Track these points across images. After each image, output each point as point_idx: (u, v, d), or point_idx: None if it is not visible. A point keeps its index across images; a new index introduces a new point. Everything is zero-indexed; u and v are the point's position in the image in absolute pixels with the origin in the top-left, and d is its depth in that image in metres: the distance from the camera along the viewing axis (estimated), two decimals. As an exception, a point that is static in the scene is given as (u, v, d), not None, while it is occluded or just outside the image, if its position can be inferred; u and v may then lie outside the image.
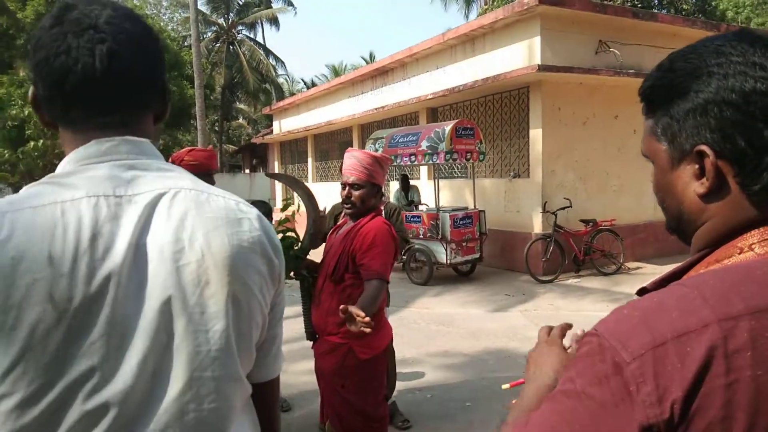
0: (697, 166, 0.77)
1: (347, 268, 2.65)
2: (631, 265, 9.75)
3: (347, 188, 2.74)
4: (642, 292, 0.82)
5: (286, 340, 4.48)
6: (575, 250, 9.14)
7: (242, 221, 0.92)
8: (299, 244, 2.77)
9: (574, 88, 9.57)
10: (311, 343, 2.87)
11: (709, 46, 0.77)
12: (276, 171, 21.40)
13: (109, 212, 0.84)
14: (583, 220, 9.25)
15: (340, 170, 4.00)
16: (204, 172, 3.60)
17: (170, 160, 3.76)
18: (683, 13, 20.91)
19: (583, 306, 7.48)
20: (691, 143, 0.77)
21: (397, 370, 4.97)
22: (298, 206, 2.99)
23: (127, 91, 0.92)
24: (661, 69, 0.82)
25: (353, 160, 2.76)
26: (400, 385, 4.70)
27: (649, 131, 0.84)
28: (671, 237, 0.86)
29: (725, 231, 0.76)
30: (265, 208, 4.43)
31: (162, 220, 0.86)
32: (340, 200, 4.17)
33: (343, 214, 2.87)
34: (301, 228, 2.95)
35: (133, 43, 0.91)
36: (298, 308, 3.07)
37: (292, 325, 4.66)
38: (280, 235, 2.79)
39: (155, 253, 0.84)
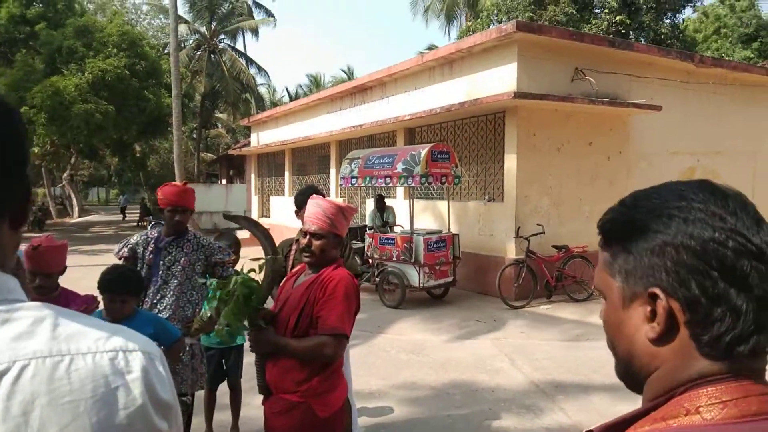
0: (649, 308, 0.75)
1: (311, 323, 2.57)
2: (603, 291, 9.82)
3: (308, 237, 2.68)
4: None
5: (246, 372, 4.31)
6: (547, 276, 9.18)
7: (117, 393, 0.68)
8: (255, 292, 2.63)
9: (549, 115, 9.66)
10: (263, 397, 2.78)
11: (673, 189, 0.77)
12: (252, 183, 21.25)
13: None
14: (555, 246, 9.31)
15: (298, 214, 3.91)
16: (175, 208, 3.50)
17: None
18: (661, 37, 21.30)
19: (553, 335, 7.49)
20: (645, 284, 0.75)
21: (363, 405, 4.93)
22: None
23: None
24: (623, 205, 0.81)
25: (317, 209, 2.69)
26: (366, 421, 4.64)
27: (604, 265, 0.83)
28: None
29: (674, 384, 0.74)
30: (231, 240, 4.36)
31: None
32: (289, 237, 4.11)
33: (291, 259, 2.78)
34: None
35: None
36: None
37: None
38: (251, 270, 2.66)
39: None
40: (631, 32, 20.99)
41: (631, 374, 0.81)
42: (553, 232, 9.49)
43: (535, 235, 9.09)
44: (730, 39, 28.17)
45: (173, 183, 3.58)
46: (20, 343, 0.65)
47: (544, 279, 9.19)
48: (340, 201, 2.82)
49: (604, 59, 10.07)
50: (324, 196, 3.77)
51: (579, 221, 10.13)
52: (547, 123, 9.66)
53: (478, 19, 24.16)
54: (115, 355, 0.70)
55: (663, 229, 0.73)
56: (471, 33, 22.37)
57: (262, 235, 2.79)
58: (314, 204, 2.73)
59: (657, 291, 0.73)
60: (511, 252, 9.47)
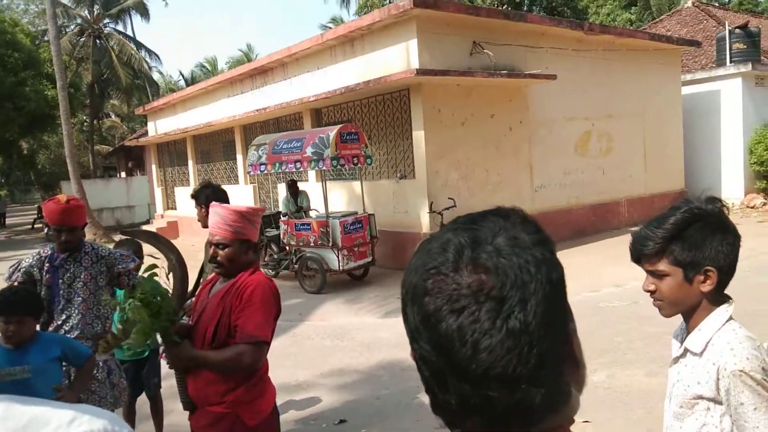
0: None
1: (230, 333, 2.48)
2: (514, 256, 10.21)
3: (212, 247, 2.57)
4: None
5: (164, 379, 4.11)
6: (462, 247, 9.41)
7: None
8: (164, 307, 2.48)
9: (452, 90, 9.81)
10: (188, 413, 2.67)
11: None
12: (154, 174, 20.29)
13: None
14: (467, 218, 9.54)
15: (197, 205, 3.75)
16: (60, 227, 3.23)
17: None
18: (553, 5, 22.13)
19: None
20: None
21: (290, 398, 4.89)
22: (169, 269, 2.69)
23: None
24: None
25: (216, 217, 2.56)
26: (294, 415, 4.61)
27: None
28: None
29: None
30: (133, 246, 4.13)
31: None
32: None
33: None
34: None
35: None
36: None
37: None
38: (151, 274, 2.51)
39: None
40: (525, 2, 21.64)
41: None
42: (464, 205, 9.72)
43: (448, 208, 9.29)
44: (616, 2, 29.70)
45: (57, 199, 3.28)
46: None
47: (458, 250, 9.42)
48: (242, 206, 2.68)
49: (500, 32, 10.32)
50: (222, 194, 3.63)
51: (487, 191, 10.44)
52: (450, 98, 9.82)
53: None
54: None
55: None
56: (369, 7, 22.29)
57: (166, 247, 2.65)
58: (213, 212, 2.61)
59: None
60: (426, 227, 9.63)
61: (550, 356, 0.61)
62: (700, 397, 1.51)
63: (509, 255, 0.62)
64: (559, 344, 0.63)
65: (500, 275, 0.61)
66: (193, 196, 3.70)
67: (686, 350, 1.59)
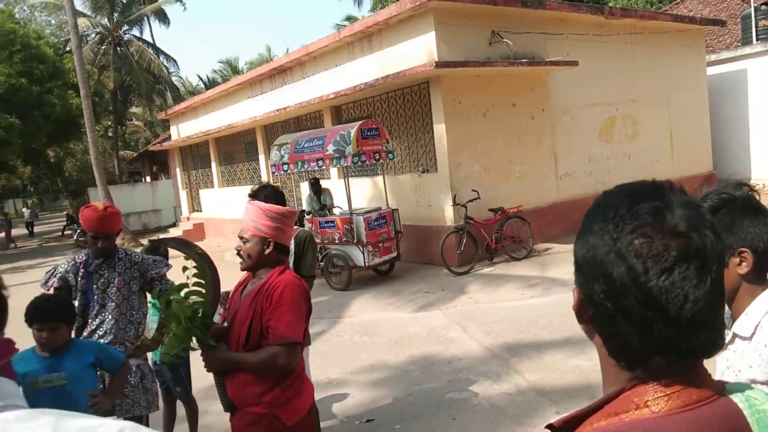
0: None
1: (263, 335, 2.49)
2: (541, 247, 10.10)
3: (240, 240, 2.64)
4: (550, 427, 0.84)
5: (198, 381, 4.13)
6: (487, 239, 9.37)
7: None
8: (201, 311, 2.53)
9: (472, 80, 9.73)
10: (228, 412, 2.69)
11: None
12: (179, 177, 20.52)
13: None
14: (491, 209, 9.48)
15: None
16: (97, 234, 3.28)
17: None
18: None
19: (500, 297, 7.67)
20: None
21: (322, 395, 4.91)
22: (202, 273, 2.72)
23: None
24: None
25: (245, 213, 2.67)
26: (327, 413, 4.62)
27: None
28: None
29: (620, 379, 0.81)
30: (161, 252, 4.15)
31: None
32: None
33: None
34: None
35: None
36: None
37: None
38: (191, 291, 2.55)
39: None
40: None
41: None
42: (487, 196, 9.65)
43: (472, 201, 9.23)
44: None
45: (94, 206, 3.34)
46: None
47: (484, 242, 9.37)
48: (267, 205, 2.72)
49: (518, 20, 10.20)
50: (280, 196, 3.65)
51: (511, 182, 10.34)
52: (470, 89, 9.74)
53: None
54: None
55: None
56: (383, 3, 22.17)
57: (196, 254, 2.67)
58: (246, 207, 2.68)
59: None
60: (450, 220, 9.58)
61: (723, 301, 0.78)
62: (753, 382, 1.49)
63: (700, 220, 0.75)
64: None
65: (702, 238, 0.73)
66: (250, 195, 3.76)
67: (735, 335, 1.57)
